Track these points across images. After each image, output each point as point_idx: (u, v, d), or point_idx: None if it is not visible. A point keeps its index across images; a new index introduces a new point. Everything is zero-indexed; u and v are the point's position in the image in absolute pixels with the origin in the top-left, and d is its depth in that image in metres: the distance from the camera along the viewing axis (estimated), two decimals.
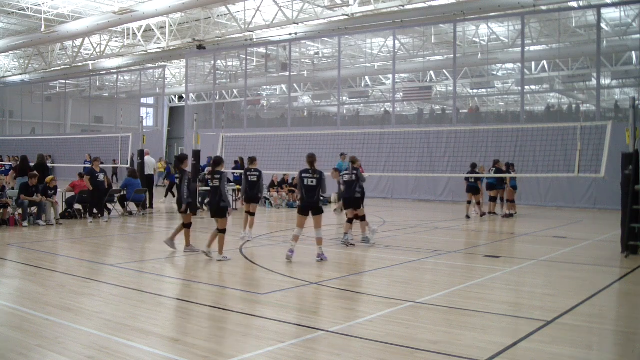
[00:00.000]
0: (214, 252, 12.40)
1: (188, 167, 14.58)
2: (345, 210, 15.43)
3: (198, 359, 6.33)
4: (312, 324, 7.64)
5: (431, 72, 40.92)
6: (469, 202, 22.46)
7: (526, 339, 7.12)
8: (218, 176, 12.51)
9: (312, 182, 12.53)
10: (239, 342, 7.07)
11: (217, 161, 12.93)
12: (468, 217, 22.14)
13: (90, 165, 20.56)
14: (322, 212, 12.68)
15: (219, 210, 12.49)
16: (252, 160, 16.31)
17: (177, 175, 13.49)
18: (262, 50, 40.15)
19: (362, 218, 15.23)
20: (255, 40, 35.83)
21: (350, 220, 15.19)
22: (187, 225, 13.53)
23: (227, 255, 12.43)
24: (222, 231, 12.38)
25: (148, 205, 22.22)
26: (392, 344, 6.84)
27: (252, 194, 15.94)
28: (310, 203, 12.55)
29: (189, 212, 13.50)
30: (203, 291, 9.74)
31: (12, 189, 19.42)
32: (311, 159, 12.91)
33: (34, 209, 18.22)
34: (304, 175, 12.63)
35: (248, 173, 16.06)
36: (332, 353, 6.55)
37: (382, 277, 11.35)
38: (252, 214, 16.12)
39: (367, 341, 6.99)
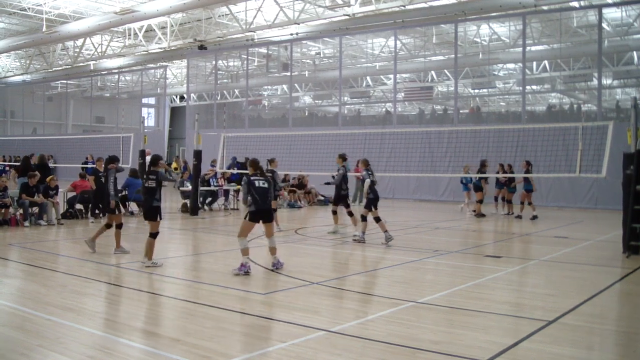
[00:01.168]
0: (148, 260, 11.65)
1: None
2: (375, 210, 15.34)
3: (199, 359, 6.34)
4: (314, 323, 7.63)
5: (432, 72, 40.93)
6: (480, 202, 22.45)
7: (527, 339, 7.12)
8: (154, 177, 11.75)
9: (263, 183, 11.32)
10: (240, 342, 7.08)
11: (154, 160, 12.09)
12: (483, 215, 22.22)
13: (93, 166, 20.55)
14: (273, 218, 11.80)
15: (152, 212, 11.68)
16: (271, 161, 17.22)
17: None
18: (263, 50, 40.14)
19: (377, 219, 15.27)
20: (256, 40, 35.84)
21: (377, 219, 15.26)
22: (118, 226, 13.19)
23: (157, 261, 11.70)
24: (153, 235, 11.62)
25: None
26: (393, 344, 6.84)
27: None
28: (265, 207, 11.25)
29: (117, 212, 13.33)
30: (204, 291, 9.74)
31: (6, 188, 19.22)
32: (255, 164, 11.63)
33: (35, 209, 18.22)
34: (253, 178, 11.31)
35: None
36: (333, 353, 6.55)
37: (383, 277, 11.36)
38: (274, 210, 16.84)
39: (369, 341, 6.99)
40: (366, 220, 15.25)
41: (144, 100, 60.54)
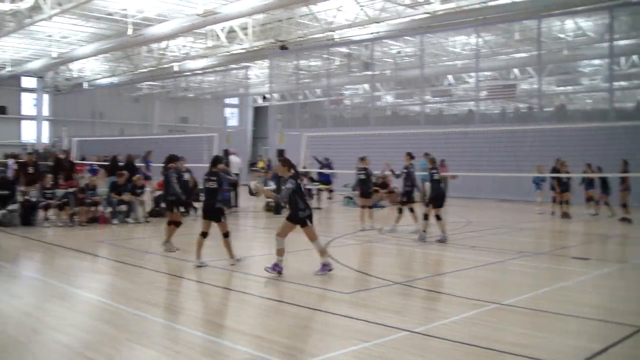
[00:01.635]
0: (217, 260, 11.62)
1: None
2: (436, 208, 15.20)
3: (282, 356, 6.39)
4: (396, 324, 7.59)
5: (515, 69, 40.11)
6: (559, 202, 21.82)
7: (617, 345, 6.90)
8: (215, 178, 11.55)
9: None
10: (323, 340, 7.10)
11: (215, 161, 11.95)
12: (569, 215, 21.51)
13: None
14: None
15: (215, 213, 11.48)
16: (362, 159, 17.86)
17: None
18: (344, 49, 40.19)
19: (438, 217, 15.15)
20: (337, 39, 35.90)
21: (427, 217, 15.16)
22: (176, 224, 13.38)
23: (239, 257, 11.77)
24: (226, 235, 11.50)
25: (233, 204, 22.49)
26: (476, 346, 6.74)
27: (364, 190, 17.71)
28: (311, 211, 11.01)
29: (176, 210, 13.54)
30: (288, 289, 9.81)
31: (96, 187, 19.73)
32: (290, 164, 11.04)
33: (124, 208, 18.72)
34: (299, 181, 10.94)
35: (358, 172, 17.82)
36: (415, 354, 6.51)
37: (466, 278, 11.19)
38: (370, 207, 17.84)
39: (452, 342, 6.91)
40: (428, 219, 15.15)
41: (227, 101, 61.54)
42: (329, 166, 26.11)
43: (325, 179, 25.66)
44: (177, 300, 8.92)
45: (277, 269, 10.67)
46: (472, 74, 37.38)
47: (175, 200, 13.48)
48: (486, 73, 39.94)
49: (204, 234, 11.46)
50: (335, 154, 27.42)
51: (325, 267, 10.76)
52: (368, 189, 17.95)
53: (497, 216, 22.84)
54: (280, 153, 22.08)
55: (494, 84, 39.74)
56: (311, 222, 10.79)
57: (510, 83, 39.23)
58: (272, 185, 22.66)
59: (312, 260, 11.82)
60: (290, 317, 8.02)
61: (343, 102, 47.26)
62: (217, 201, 11.49)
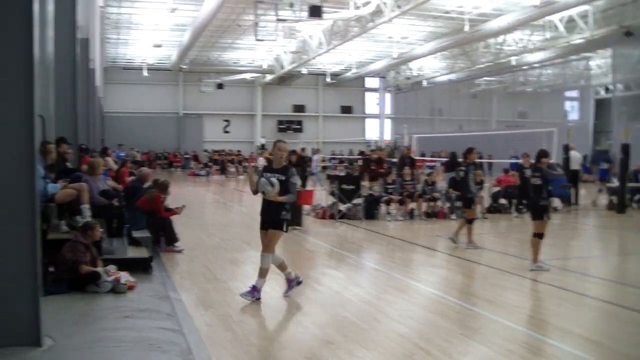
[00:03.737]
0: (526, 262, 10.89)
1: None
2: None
3: None
4: None
5: None
6: None
7: None
8: (538, 173, 10.82)
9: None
10: None
11: (541, 155, 11.05)
12: None
13: (518, 161, 20.71)
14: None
15: (537, 211, 10.81)
16: None
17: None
18: None
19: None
20: None
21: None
22: (469, 221, 13.10)
23: (542, 264, 10.63)
24: (537, 235, 10.65)
25: (573, 202, 21.58)
26: None
27: None
28: None
29: (472, 206, 13.40)
30: (630, 295, 9.22)
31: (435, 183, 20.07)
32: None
33: (460, 204, 18.96)
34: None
35: None
36: None
37: None
38: None
39: None
40: None
41: (567, 94, 59.32)
42: None
43: None
44: (512, 298, 8.83)
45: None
46: None
47: (471, 197, 13.44)
48: None
49: (539, 235, 10.75)
50: None
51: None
52: None
53: None
54: (625, 148, 20.47)
55: None
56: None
57: None
58: (615, 182, 21.35)
59: None
60: (632, 324, 7.53)
61: None
62: (542, 198, 10.84)
